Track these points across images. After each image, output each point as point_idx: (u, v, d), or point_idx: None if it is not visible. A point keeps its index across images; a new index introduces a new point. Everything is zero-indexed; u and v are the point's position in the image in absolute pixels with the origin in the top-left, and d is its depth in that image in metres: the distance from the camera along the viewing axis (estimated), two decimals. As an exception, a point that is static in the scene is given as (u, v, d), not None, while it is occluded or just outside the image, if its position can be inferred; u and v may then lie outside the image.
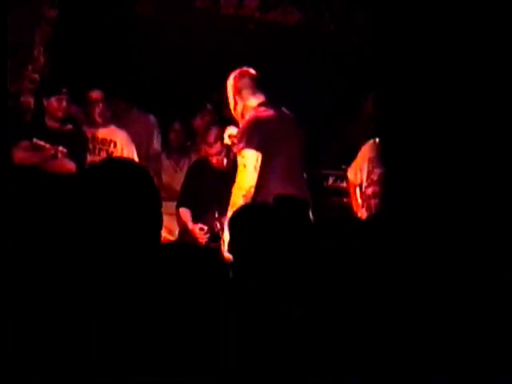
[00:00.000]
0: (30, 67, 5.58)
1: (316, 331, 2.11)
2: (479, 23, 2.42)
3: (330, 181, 5.87)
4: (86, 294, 1.64)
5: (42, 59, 5.62)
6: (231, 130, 4.91)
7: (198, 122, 5.96)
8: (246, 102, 4.26)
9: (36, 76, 5.56)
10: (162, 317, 1.70)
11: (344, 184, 5.69)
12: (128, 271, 1.69)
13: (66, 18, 5.71)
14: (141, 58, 5.97)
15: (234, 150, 4.45)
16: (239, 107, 4.27)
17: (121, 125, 5.49)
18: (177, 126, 5.95)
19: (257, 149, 4.06)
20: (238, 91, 4.26)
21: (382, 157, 4.66)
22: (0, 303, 1.63)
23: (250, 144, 4.06)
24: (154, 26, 6.16)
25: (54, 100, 4.85)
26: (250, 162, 4.06)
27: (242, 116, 4.26)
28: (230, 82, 4.32)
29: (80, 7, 5.80)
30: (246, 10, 6.33)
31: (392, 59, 2.64)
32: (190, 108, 6.05)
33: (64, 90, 4.86)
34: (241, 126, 4.23)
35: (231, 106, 4.33)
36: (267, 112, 4.21)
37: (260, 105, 4.25)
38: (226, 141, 4.93)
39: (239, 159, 4.11)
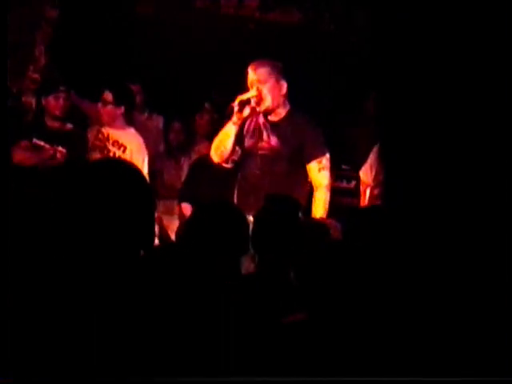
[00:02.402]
0: (30, 67, 5.58)
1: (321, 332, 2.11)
2: (479, 23, 2.42)
3: (330, 181, 5.87)
4: (79, 293, 1.64)
5: (42, 59, 5.62)
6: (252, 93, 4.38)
7: (197, 121, 5.98)
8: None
9: (37, 76, 5.56)
10: (158, 317, 1.70)
11: (344, 184, 5.70)
12: (121, 270, 1.69)
13: (67, 18, 5.71)
14: (141, 58, 5.98)
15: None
16: (283, 92, 4.32)
17: (134, 124, 5.46)
18: (176, 125, 5.97)
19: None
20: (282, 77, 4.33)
21: (383, 156, 4.68)
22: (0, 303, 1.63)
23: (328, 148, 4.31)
24: (154, 25, 6.16)
25: (51, 98, 4.85)
26: (329, 165, 4.31)
27: (283, 102, 4.33)
28: (274, 69, 4.32)
29: (81, 7, 5.80)
30: (246, 9, 6.33)
31: (392, 59, 2.64)
32: (189, 108, 6.05)
33: (61, 88, 4.85)
34: (313, 127, 4.33)
35: (276, 89, 4.29)
36: None
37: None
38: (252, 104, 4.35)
39: (324, 162, 4.28)
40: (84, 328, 1.62)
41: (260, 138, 4.34)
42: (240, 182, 4.37)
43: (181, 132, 5.96)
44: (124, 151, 5.18)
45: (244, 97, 4.23)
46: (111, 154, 5.16)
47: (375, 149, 5.07)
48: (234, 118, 4.26)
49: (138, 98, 5.85)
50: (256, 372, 1.99)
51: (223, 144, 4.34)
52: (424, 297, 2.24)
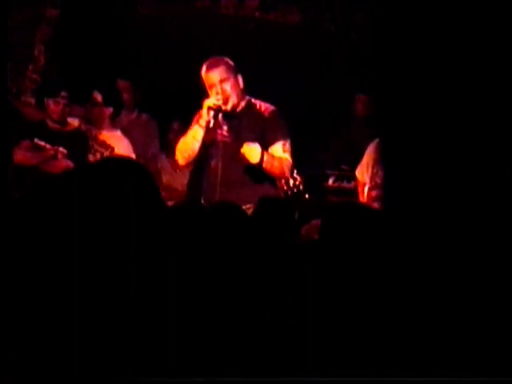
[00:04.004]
0: (30, 67, 5.58)
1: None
2: (481, 24, 2.43)
3: (330, 181, 5.88)
4: (86, 296, 1.64)
5: (42, 59, 5.63)
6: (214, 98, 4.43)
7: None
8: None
9: (36, 76, 5.57)
10: (158, 317, 1.70)
11: (344, 184, 5.70)
12: (134, 265, 1.69)
13: (67, 18, 5.72)
14: (140, 58, 5.98)
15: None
16: (241, 86, 4.35)
17: (122, 126, 5.47)
18: (175, 125, 5.96)
19: None
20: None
21: (382, 157, 4.67)
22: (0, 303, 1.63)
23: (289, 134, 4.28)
24: (154, 25, 6.16)
25: (51, 102, 4.87)
26: (291, 151, 4.26)
27: (242, 95, 4.35)
28: (230, 65, 4.36)
29: (81, 7, 5.81)
30: (246, 9, 6.34)
31: (392, 58, 2.64)
32: (188, 108, 6.06)
33: (62, 94, 4.86)
34: (275, 114, 4.32)
35: (237, 84, 4.33)
36: None
37: None
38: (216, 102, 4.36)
39: (287, 146, 4.26)
40: (85, 327, 1.62)
41: (221, 130, 4.38)
42: (206, 175, 4.39)
43: (180, 132, 5.95)
44: (112, 152, 5.22)
45: (211, 102, 4.28)
46: (98, 155, 5.19)
47: (370, 147, 5.06)
48: (202, 122, 4.31)
49: (127, 96, 5.84)
50: (256, 371, 2.00)
51: (190, 147, 4.37)
52: (424, 297, 2.25)
